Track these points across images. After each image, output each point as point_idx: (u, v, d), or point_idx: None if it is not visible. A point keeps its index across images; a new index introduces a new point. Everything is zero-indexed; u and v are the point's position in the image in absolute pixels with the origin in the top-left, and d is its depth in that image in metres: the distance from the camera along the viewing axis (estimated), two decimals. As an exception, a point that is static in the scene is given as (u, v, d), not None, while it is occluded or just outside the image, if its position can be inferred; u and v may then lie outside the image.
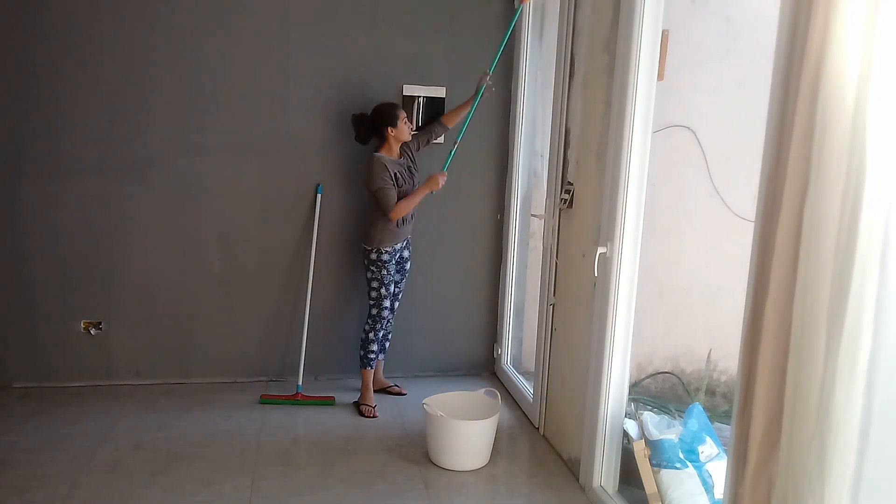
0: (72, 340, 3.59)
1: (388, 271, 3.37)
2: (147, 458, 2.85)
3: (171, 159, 3.53)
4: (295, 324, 3.74)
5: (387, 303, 3.41)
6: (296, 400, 3.51)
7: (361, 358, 3.47)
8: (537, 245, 3.26)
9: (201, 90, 3.50)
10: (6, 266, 3.48)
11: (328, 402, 3.53)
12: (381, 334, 3.48)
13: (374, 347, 3.45)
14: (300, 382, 3.58)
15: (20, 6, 3.28)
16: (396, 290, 3.54)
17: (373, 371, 3.51)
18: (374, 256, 3.34)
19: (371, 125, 3.34)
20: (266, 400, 3.51)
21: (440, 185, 3.33)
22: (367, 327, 3.44)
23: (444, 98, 3.71)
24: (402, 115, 3.32)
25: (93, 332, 3.60)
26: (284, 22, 3.52)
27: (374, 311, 3.42)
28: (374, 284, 3.39)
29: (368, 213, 3.43)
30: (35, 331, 3.56)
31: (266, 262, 3.72)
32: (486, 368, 4.06)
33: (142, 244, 3.58)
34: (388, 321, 3.54)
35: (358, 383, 3.64)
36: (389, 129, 3.29)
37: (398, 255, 3.43)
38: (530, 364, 3.52)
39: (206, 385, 3.70)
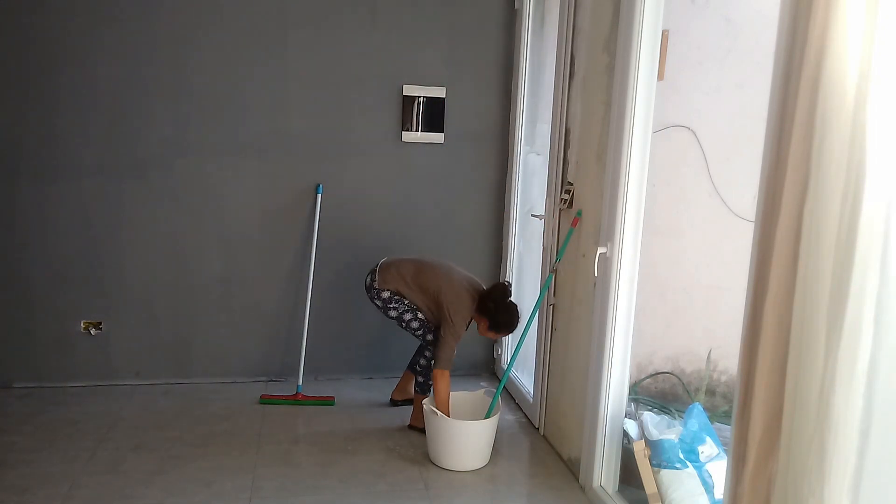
0: (72, 340, 3.59)
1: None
2: (147, 458, 2.85)
3: (170, 159, 3.53)
4: (295, 324, 3.74)
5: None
6: (296, 400, 3.51)
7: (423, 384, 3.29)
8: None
9: (201, 90, 3.50)
10: (6, 266, 3.48)
11: (328, 402, 3.53)
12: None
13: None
14: (300, 382, 3.58)
15: (19, 6, 3.28)
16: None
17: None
18: (385, 295, 3.16)
19: (487, 299, 3.06)
20: (266, 400, 3.51)
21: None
22: (427, 354, 3.24)
23: (443, 98, 3.71)
24: (494, 332, 3.08)
25: (93, 332, 3.60)
26: (284, 22, 3.52)
27: (429, 337, 3.20)
28: (407, 317, 3.17)
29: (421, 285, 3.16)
30: (35, 331, 3.56)
31: (266, 262, 3.72)
32: (486, 368, 4.06)
33: (142, 244, 3.58)
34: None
35: (355, 383, 3.69)
36: (478, 315, 3.06)
37: None
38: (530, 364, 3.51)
39: (206, 385, 3.70)
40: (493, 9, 3.72)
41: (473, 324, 3.14)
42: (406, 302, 3.15)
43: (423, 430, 3.06)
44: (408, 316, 3.16)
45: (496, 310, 3.04)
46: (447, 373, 2.98)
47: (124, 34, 3.39)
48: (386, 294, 3.15)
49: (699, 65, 2.82)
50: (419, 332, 3.19)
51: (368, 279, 3.23)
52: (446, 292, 3.06)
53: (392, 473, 2.82)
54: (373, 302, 3.24)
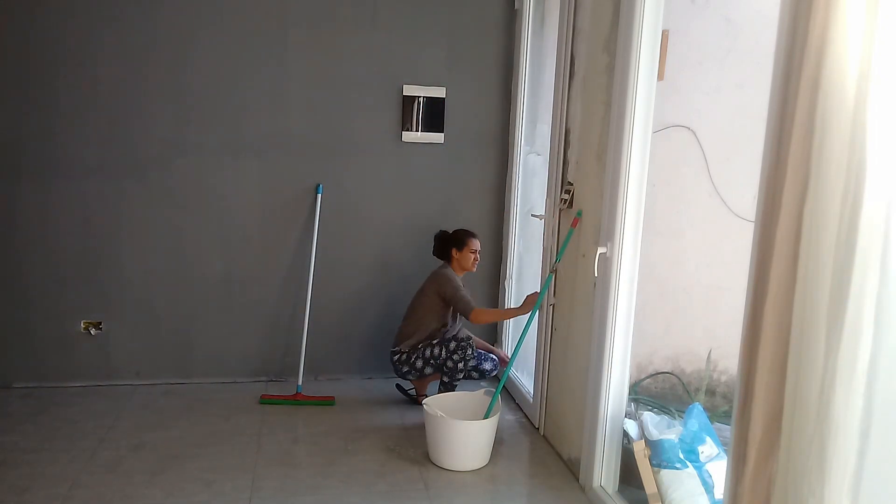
0: (72, 340, 3.59)
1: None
2: (147, 458, 2.85)
3: (170, 159, 3.53)
4: (295, 324, 3.74)
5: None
6: (296, 400, 3.51)
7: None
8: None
9: (201, 90, 3.50)
10: (6, 266, 3.48)
11: (328, 402, 3.53)
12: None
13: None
14: (300, 382, 3.58)
15: (19, 6, 3.28)
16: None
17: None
18: (404, 357, 3.42)
19: (442, 242, 3.49)
20: (266, 400, 3.51)
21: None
22: (455, 357, 3.35)
23: (443, 98, 3.71)
24: (473, 244, 3.43)
25: (93, 332, 3.60)
26: (284, 22, 3.52)
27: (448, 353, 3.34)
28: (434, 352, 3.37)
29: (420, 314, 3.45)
30: (35, 331, 3.56)
31: (266, 262, 3.72)
32: (486, 368, 4.06)
33: (142, 244, 3.58)
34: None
35: (355, 383, 3.73)
36: (454, 250, 3.44)
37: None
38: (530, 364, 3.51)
39: (206, 385, 3.70)
40: (493, 9, 3.72)
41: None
42: (421, 347, 3.37)
43: (412, 398, 3.23)
44: (429, 353, 3.37)
45: (443, 237, 3.48)
46: (478, 308, 3.33)
47: (124, 34, 3.39)
48: (404, 356, 3.39)
49: (699, 65, 2.82)
50: (443, 357, 3.34)
51: (394, 358, 3.43)
52: (430, 285, 3.42)
53: (392, 473, 2.82)
54: (406, 377, 3.43)
